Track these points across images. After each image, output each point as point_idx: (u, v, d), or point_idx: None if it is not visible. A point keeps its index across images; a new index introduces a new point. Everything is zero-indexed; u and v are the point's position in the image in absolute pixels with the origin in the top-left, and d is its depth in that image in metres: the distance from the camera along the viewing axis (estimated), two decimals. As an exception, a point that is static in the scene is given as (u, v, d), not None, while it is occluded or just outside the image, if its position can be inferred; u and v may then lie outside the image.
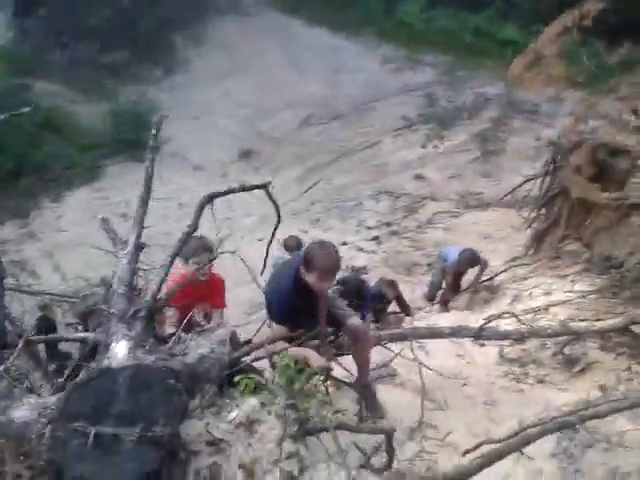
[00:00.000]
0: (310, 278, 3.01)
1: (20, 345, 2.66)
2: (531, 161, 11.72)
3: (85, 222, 12.13)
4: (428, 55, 18.80)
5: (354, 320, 3.41)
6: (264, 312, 3.94)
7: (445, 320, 5.97)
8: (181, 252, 3.32)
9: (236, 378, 2.65)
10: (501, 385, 4.39)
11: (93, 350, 2.65)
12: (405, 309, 7.54)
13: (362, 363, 3.55)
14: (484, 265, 7.43)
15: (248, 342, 2.85)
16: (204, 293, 3.92)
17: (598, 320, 4.20)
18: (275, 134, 15.86)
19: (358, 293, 5.76)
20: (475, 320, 5.58)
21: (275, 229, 3.57)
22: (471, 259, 7.27)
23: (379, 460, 2.54)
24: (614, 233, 5.95)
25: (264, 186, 3.29)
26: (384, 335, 4.29)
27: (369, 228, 11.47)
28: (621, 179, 6.19)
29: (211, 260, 3.81)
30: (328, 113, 16.61)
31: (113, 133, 14.82)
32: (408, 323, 6.90)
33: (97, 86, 16.61)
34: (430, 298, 7.98)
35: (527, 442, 2.45)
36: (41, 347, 5.55)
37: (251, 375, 2.69)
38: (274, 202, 3.33)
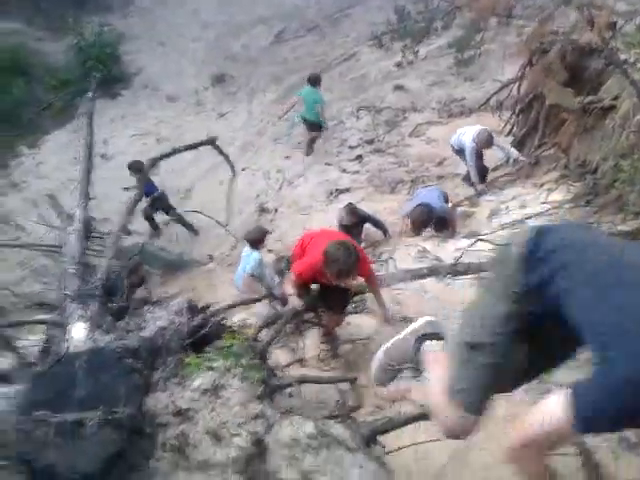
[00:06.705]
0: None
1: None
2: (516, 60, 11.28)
3: (67, 166, 11.90)
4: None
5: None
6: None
7: (429, 246, 5.96)
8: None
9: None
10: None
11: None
12: (381, 228, 7.38)
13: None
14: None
15: (204, 309, 2.86)
16: None
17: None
18: (248, 54, 15.18)
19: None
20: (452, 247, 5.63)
21: (231, 182, 3.51)
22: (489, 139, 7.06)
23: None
24: (589, 138, 5.84)
25: (211, 141, 3.20)
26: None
27: (351, 147, 11.25)
28: (595, 81, 5.96)
29: None
30: (302, 25, 15.83)
31: (81, 69, 14.18)
32: (387, 243, 6.89)
33: (61, 20, 15.72)
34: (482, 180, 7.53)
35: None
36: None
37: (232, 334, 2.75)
38: (225, 157, 3.25)
